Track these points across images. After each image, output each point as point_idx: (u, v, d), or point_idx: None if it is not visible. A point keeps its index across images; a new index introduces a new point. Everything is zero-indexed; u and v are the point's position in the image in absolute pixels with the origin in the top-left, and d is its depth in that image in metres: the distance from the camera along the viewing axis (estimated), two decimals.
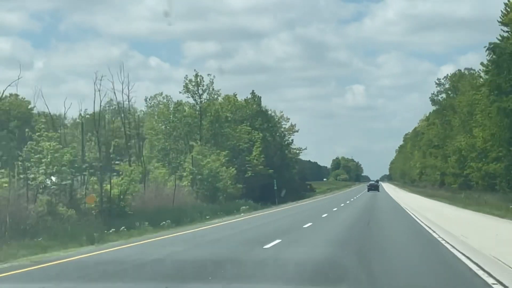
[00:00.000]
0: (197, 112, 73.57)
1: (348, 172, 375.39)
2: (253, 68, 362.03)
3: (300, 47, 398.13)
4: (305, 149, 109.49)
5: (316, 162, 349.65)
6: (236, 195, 67.07)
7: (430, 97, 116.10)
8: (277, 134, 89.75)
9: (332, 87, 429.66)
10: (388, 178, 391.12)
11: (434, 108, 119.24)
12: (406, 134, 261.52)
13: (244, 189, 72.57)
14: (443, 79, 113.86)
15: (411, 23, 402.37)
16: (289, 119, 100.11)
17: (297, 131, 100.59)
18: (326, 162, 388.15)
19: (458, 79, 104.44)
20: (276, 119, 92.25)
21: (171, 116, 73.96)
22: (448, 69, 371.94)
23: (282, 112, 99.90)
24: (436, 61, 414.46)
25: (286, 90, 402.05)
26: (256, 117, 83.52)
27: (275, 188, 66.32)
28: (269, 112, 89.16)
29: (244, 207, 55.04)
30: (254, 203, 64.57)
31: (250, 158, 76.82)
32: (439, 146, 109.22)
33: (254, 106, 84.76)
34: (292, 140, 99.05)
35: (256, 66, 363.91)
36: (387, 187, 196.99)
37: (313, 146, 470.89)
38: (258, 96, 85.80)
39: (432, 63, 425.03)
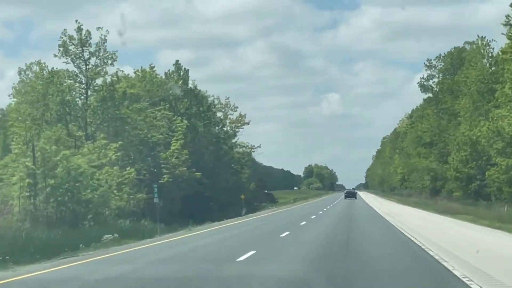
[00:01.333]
0: (81, 86, 48.55)
1: (321, 180, 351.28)
2: (229, 77, 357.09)
3: (276, 55, 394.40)
4: (259, 147, 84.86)
5: (289, 171, 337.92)
6: (131, 212, 42.10)
7: (419, 83, 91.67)
8: (213, 123, 64.29)
9: (308, 96, 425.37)
10: (365, 187, 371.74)
11: (424, 96, 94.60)
12: (384, 138, 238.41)
13: (161, 201, 47.52)
14: (434, 60, 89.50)
15: (387, 31, 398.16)
16: (237, 107, 75.42)
17: (248, 124, 75.73)
18: (300, 170, 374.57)
19: (458, 55, 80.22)
20: (211, 102, 66.92)
21: (50, 94, 48.70)
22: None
23: (228, 98, 75.19)
24: (412, 69, 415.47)
25: (262, 98, 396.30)
26: (181, 99, 58.44)
27: (156, 199, 39.60)
28: (201, 93, 63.74)
29: (109, 236, 29.76)
30: (155, 226, 39.11)
31: (166, 155, 51.76)
32: (433, 143, 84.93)
33: (180, 83, 59.64)
34: (234, 132, 73.79)
35: (232, 74, 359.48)
36: (365, 196, 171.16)
37: (288, 155, 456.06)
38: (185, 69, 60.61)
39: (408, 71, 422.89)
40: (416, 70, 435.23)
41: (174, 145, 51.95)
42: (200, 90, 61.93)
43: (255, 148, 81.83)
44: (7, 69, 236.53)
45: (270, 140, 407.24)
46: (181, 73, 59.78)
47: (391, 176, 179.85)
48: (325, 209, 69.21)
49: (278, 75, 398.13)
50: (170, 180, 50.76)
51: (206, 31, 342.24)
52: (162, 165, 51.19)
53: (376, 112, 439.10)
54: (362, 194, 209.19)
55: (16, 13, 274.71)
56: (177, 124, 53.49)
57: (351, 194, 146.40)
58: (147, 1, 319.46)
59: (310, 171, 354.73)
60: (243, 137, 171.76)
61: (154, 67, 57.73)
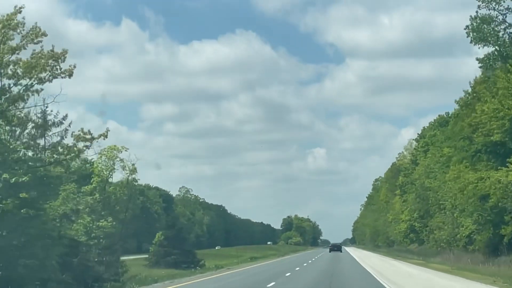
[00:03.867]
0: None
1: (302, 234, 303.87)
2: (213, 131, 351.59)
3: (261, 109, 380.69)
4: (125, 149, 39.58)
5: (270, 224, 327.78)
6: None
7: (467, 28, 45.22)
8: None
9: (293, 151, 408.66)
10: (352, 242, 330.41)
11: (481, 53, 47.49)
12: (376, 180, 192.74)
13: None
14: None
15: (372, 85, 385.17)
16: (65, 53, 29.16)
17: (69, 76, 28.95)
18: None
19: None
20: None
21: None
22: (409, 132, 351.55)
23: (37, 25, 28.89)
24: (397, 124, 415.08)
25: (247, 153, 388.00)
26: None
27: None
28: None
29: None
30: None
31: None
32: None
33: None
34: None
35: (216, 129, 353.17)
36: (357, 253, 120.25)
37: (272, 210, 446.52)
38: None
39: (393, 126, 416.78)
40: (401, 125, 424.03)
41: None
42: None
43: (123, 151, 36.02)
44: None
45: (255, 196, 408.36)
46: None
47: (390, 226, 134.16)
48: None
49: (262, 130, 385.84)
50: None
51: (189, 85, 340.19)
52: None
53: (362, 168, 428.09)
54: (350, 250, 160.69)
55: None
56: None
57: (336, 248, 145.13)
58: (130, 54, 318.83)
59: (289, 224, 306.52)
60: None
61: None
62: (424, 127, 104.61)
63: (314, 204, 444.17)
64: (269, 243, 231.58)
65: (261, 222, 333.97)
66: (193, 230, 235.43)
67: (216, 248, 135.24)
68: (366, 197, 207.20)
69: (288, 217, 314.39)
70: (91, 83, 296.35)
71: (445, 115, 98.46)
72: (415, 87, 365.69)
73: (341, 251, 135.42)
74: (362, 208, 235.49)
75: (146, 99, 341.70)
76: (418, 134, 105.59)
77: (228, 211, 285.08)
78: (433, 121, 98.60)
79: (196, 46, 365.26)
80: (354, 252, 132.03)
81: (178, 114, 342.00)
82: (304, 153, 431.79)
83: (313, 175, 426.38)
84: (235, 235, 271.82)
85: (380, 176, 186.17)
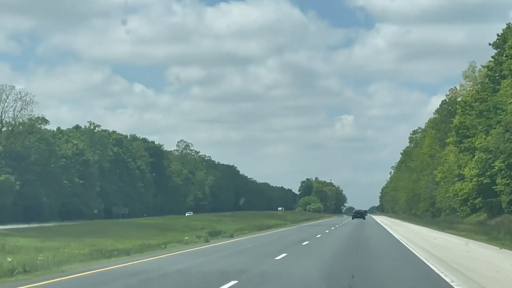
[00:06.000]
0: None
1: (323, 199, 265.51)
2: (240, 96, 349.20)
3: (289, 74, 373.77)
4: None
5: (291, 190, 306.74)
6: None
7: None
8: None
9: (321, 117, 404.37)
10: (379, 210, 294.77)
11: None
12: (413, 132, 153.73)
13: None
14: None
15: (403, 51, 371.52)
16: None
17: None
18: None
19: None
20: None
21: None
22: (439, 100, 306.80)
23: None
24: (427, 92, 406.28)
25: (274, 119, 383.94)
26: None
27: None
28: None
29: None
30: None
31: None
32: None
33: None
34: None
35: (243, 93, 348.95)
36: (401, 229, 76.38)
37: (298, 177, 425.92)
38: None
39: (423, 94, 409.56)
40: (431, 93, 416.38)
41: None
42: None
43: None
44: (14, 83, 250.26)
45: (280, 162, 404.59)
46: None
47: (437, 189, 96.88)
48: None
49: (290, 95, 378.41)
50: None
51: (216, 48, 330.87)
52: None
53: (390, 136, 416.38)
54: (380, 219, 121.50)
55: (23, 25, 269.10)
56: None
57: (359, 215, 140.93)
58: (156, 15, 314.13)
59: (308, 188, 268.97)
60: None
61: None
62: (504, 29, 65.49)
63: (340, 172, 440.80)
64: (280, 209, 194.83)
65: (281, 187, 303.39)
66: (191, 191, 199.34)
67: (187, 214, 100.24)
68: (401, 153, 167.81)
69: (307, 179, 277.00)
70: (116, 45, 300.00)
71: None
72: (447, 53, 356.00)
73: (364, 218, 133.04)
74: (393, 171, 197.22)
75: (172, 61, 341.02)
76: (498, 36, 66.03)
77: (240, 172, 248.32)
78: None
79: (223, 7, 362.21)
80: (393, 225, 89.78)
81: (204, 77, 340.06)
82: (332, 120, 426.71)
83: (341, 142, 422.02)
84: (247, 199, 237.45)
85: (419, 128, 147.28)
